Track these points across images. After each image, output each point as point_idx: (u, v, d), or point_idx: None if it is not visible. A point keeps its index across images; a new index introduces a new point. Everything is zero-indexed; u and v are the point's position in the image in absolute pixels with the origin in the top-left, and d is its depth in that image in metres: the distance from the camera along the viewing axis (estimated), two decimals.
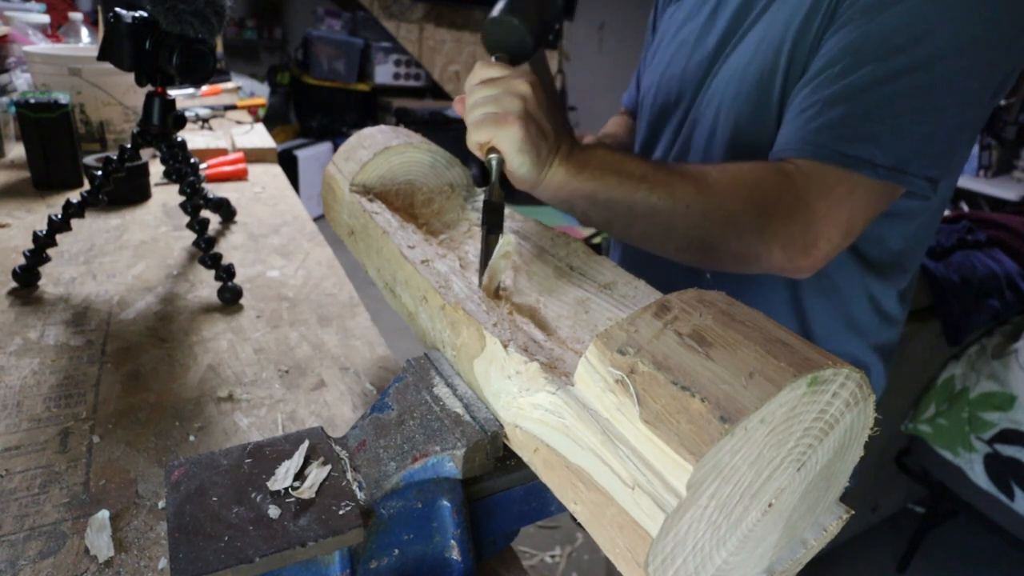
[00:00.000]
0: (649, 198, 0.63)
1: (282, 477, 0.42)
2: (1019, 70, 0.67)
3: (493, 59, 0.64)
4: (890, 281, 0.83)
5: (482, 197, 0.72)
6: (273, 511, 0.39)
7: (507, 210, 0.68)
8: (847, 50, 0.65)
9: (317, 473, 0.42)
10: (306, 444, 0.44)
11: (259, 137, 1.53)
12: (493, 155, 0.59)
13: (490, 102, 0.58)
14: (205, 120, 1.61)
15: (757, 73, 0.74)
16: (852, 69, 0.64)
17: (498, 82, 0.60)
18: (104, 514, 0.49)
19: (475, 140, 0.59)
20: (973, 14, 0.61)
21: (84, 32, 1.78)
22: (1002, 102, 3.32)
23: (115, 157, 0.83)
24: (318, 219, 1.41)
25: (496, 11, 0.63)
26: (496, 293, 0.54)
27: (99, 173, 0.83)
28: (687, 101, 0.86)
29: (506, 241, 0.52)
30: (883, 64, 0.62)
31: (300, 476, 0.42)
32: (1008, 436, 1.63)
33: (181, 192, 0.83)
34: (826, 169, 0.64)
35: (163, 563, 0.47)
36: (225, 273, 0.82)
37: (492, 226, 0.56)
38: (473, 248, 0.62)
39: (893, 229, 0.78)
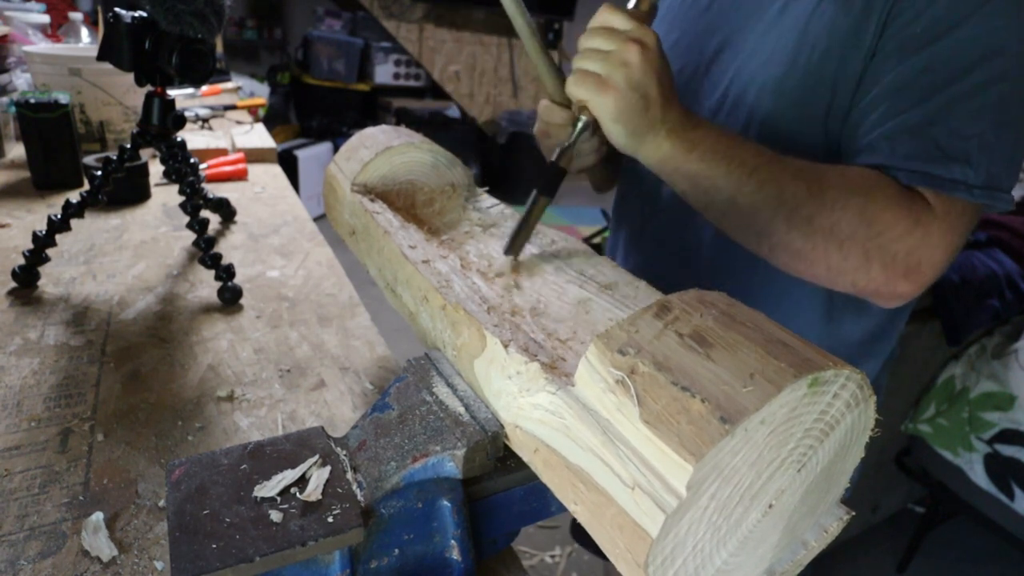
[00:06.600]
0: (755, 195, 0.59)
1: (271, 486, 0.41)
2: None
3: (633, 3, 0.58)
4: None
5: (484, 197, 0.72)
6: (274, 511, 0.39)
7: (508, 210, 0.68)
8: (916, 71, 0.62)
9: (319, 475, 0.42)
10: (315, 459, 0.44)
11: (259, 137, 1.53)
12: (583, 116, 0.54)
13: (598, 59, 0.55)
14: (205, 120, 1.61)
15: (798, 91, 0.69)
16: (931, 91, 0.61)
17: (614, 37, 0.55)
18: (98, 516, 0.49)
19: (573, 94, 0.55)
20: None
21: (84, 32, 1.78)
22: None
23: (115, 157, 0.83)
24: (318, 219, 1.41)
25: None
26: (515, 267, 0.51)
27: (99, 173, 0.83)
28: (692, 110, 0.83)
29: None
30: (962, 82, 0.60)
31: (301, 480, 0.42)
32: (1008, 436, 1.63)
33: (181, 192, 0.83)
34: (928, 195, 0.61)
35: (162, 563, 0.47)
36: (225, 273, 0.82)
37: (544, 188, 0.51)
38: (475, 248, 0.62)
39: None
